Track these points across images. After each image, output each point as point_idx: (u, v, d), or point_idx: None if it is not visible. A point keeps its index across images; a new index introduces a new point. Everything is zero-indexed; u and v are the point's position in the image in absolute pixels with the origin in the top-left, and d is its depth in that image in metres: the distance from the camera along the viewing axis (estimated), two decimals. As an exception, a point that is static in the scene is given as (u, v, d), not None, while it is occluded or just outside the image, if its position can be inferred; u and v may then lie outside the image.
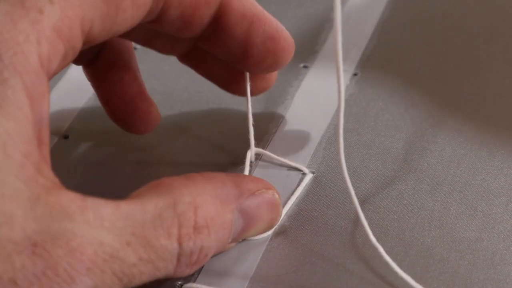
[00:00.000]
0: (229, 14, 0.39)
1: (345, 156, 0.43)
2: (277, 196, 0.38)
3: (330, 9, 0.53)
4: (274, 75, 0.43)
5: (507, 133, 0.44)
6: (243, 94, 0.43)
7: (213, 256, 0.36)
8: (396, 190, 0.41)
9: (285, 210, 0.40)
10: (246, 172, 0.42)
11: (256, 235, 0.38)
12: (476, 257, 0.38)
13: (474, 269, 0.37)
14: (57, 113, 0.45)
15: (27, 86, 0.32)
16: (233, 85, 0.43)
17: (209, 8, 0.38)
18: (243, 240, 0.39)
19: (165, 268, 0.33)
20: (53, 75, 0.34)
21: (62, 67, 0.35)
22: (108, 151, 0.44)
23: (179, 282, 0.37)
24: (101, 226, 0.31)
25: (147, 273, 0.32)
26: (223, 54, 0.40)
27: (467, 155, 0.43)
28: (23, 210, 0.30)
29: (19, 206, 0.30)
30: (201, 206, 0.34)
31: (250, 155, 0.42)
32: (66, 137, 0.45)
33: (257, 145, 0.44)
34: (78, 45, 0.34)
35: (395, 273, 0.37)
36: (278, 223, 0.39)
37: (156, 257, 0.32)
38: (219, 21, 0.39)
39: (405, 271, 0.37)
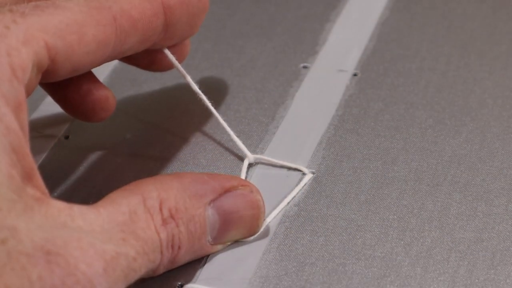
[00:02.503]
0: (174, 11, 0.39)
1: (345, 156, 0.43)
2: (255, 192, 0.38)
3: (330, 9, 0.53)
4: (187, 45, 0.44)
5: (507, 134, 0.44)
6: (164, 69, 0.43)
7: (196, 258, 0.37)
8: (396, 190, 0.41)
9: (284, 210, 0.40)
10: (242, 177, 0.42)
11: (243, 236, 0.38)
12: (476, 258, 0.38)
13: (474, 270, 0.37)
14: (57, 113, 0.45)
15: (4, 95, 0.32)
16: (153, 64, 0.43)
17: (158, 18, 0.39)
18: (236, 242, 0.38)
19: (155, 261, 0.34)
20: (30, 89, 0.34)
21: (35, 83, 0.35)
22: (108, 151, 0.44)
23: (179, 283, 0.37)
24: (93, 230, 0.31)
25: (144, 266, 0.33)
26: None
27: (467, 156, 0.43)
28: (25, 221, 0.30)
29: (19, 217, 0.30)
30: (166, 199, 0.34)
31: (246, 163, 0.43)
32: (66, 137, 0.45)
33: (257, 145, 0.44)
34: (45, 61, 0.34)
35: (395, 273, 0.37)
36: (271, 222, 0.39)
37: (148, 248, 0.33)
38: (169, 21, 0.39)
39: (405, 271, 0.37)
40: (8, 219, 0.30)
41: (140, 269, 0.33)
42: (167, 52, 0.42)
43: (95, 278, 0.30)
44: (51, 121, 0.45)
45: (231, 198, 0.37)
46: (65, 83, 0.42)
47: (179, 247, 0.35)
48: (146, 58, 0.43)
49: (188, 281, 0.37)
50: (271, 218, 0.40)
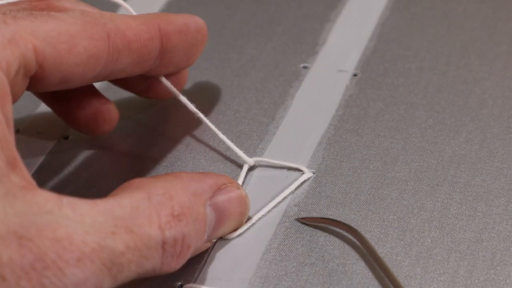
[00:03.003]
0: (171, 39, 0.40)
1: (345, 156, 0.43)
2: (241, 189, 0.38)
3: (330, 9, 0.53)
4: (185, 75, 0.44)
5: (507, 134, 0.44)
6: (160, 97, 0.44)
7: (192, 256, 0.36)
8: (396, 191, 0.41)
9: (283, 209, 0.40)
10: (240, 182, 0.42)
11: (229, 232, 0.39)
12: (476, 258, 0.38)
13: (474, 270, 0.37)
14: (57, 113, 0.45)
15: None
16: (150, 91, 0.44)
17: (153, 43, 0.39)
18: (220, 239, 0.39)
19: (152, 258, 0.33)
20: (17, 92, 0.34)
21: (23, 87, 0.35)
22: (107, 151, 0.44)
23: (179, 283, 0.37)
24: (82, 221, 0.31)
25: (135, 262, 0.32)
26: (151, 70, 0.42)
27: (467, 156, 0.43)
28: (2, 206, 0.30)
29: None
30: (175, 196, 0.34)
31: (245, 168, 0.43)
32: (66, 137, 0.45)
33: (257, 146, 0.44)
34: (32, 65, 0.35)
35: (395, 273, 0.37)
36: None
37: (142, 244, 0.32)
38: (165, 47, 0.40)
39: (405, 271, 0.37)
40: None
41: (129, 264, 0.32)
42: (163, 79, 0.43)
43: (66, 268, 0.30)
44: (51, 121, 0.45)
45: (224, 195, 0.37)
46: (67, 97, 0.42)
47: (188, 246, 0.34)
48: (143, 85, 0.44)
49: (188, 281, 0.37)
50: (262, 213, 0.40)
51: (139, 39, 0.39)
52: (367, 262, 0.38)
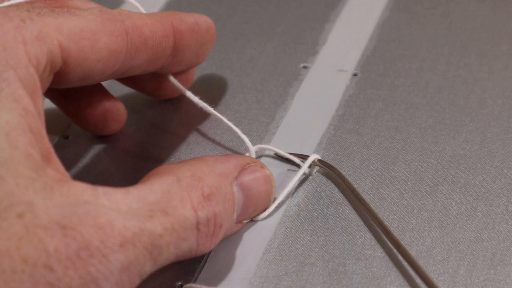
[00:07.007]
0: (183, 37, 0.41)
1: (345, 156, 0.43)
2: (265, 168, 0.39)
3: (330, 9, 0.53)
4: (192, 74, 0.45)
5: (507, 134, 0.44)
6: (167, 96, 0.45)
7: (224, 238, 0.37)
8: (396, 190, 0.41)
9: (283, 209, 0.40)
10: None
11: (258, 212, 0.39)
12: (476, 258, 0.38)
13: (474, 270, 0.37)
14: (57, 113, 0.45)
15: (21, 79, 0.33)
16: (159, 90, 0.45)
17: (168, 40, 0.40)
18: (250, 221, 0.39)
19: (188, 238, 0.33)
20: (42, 88, 0.34)
21: (47, 84, 0.36)
22: (107, 151, 0.44)
23: (179, 283, 0.37)
24: (119, 208, 0.32)
25: (174, 244, 0.33)
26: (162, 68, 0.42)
27: (467, 156, 0.43)
28: (42, 198, 0.30)
29: (36, 194, 0.30)
30: (203, 177, 0.35)
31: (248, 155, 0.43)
32: (66, 137, 0.45)
33: (257, 145, 0.44)
34: (58, 61, 0.35)
35: (395, 273, 0.37)
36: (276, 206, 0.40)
37: (178, 225, 0.33)
38: (178, 45, 0.41)
39: (405, 271, 0.37)
40: (25, 195, 0.30)
41: (168, 246, 0.32)
42: (171, 78, 0.43)
43: (110, 254, 0.30)
44: (51, 121, 0.45)
45: (249, 175, 0.37)
46: (76, 96, 0.43)
47: (220, 225, 0.35)
48: (152, 84, 0.44)
49: (188, 281, 0.37)
50: (282, 197, 0.40)
51: (154, 36, 0.39)
52: (346, 196, 0.40)
